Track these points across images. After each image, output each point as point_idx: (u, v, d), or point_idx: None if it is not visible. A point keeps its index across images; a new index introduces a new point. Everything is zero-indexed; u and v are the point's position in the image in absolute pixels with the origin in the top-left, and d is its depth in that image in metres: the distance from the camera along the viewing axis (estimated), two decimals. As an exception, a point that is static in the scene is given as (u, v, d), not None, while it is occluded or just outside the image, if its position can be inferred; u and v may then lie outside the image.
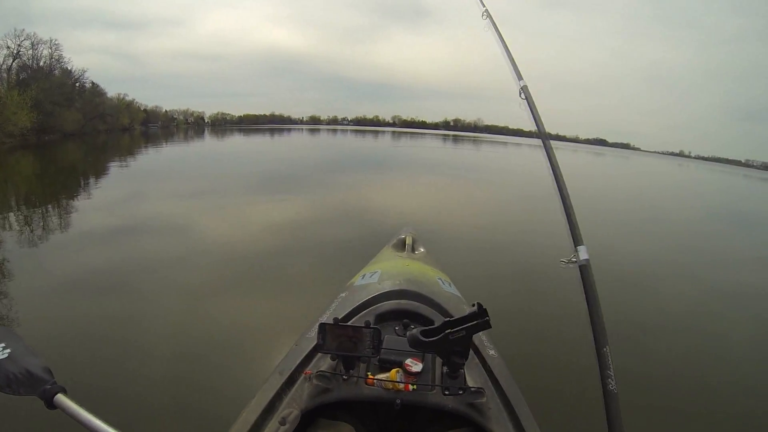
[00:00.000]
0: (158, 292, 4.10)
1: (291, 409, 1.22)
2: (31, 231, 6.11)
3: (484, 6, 2.20)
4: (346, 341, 1.27)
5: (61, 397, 0.88)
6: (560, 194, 1.56)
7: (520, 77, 1.88)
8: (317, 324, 1.30)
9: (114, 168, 13.56)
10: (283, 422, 1.18)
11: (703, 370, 3.22)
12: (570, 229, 1.46)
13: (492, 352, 1.56)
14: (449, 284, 2.17)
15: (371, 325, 1.29)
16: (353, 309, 1.69)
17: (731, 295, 5.08)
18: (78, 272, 4.44)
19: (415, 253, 2.74)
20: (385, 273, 2.09)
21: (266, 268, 4.86)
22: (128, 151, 20.39)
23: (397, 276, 1.97)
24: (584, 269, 1.37)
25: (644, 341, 3.50)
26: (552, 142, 1.82)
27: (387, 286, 1.81)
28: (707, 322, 4.20)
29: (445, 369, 1.31)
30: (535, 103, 1.79)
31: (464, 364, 1.27)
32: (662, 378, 2.96)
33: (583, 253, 1.38)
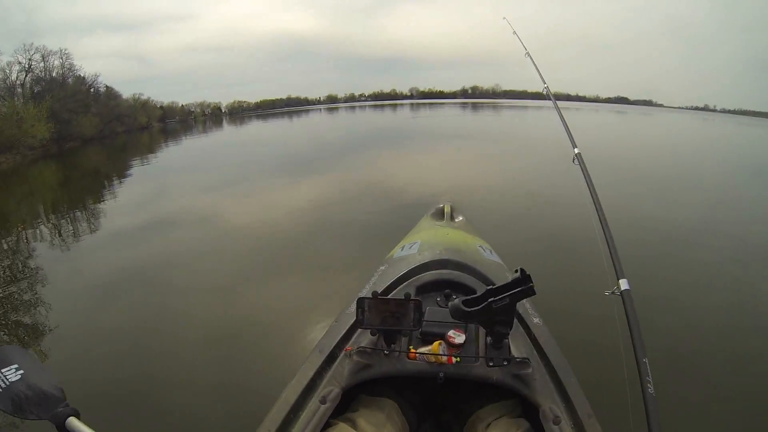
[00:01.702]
0: (192, 285, 4.08)
1: (332, 387, 1.21)
2: (61, 238, 6.15)
3: None
4: (387, 315, 1.25)
5: (73, 421, 0.84)
6: (602, 226, 1.66)
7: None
8: (356, 299, 1.27)
9: (136, 167, 13.68)
10: (323, 401, 1.17)
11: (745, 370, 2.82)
12: (613, 263, 1.49)
13: (537, 320, 1.50)
14: (491, 251, 2.12)
15: (412, 298, 1.26)
16: (393, 282, 1.67)
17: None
18: (107, 274, 4.45)
19: (454, 222, 2.69)
20: (425, 243, 2.05)
21: (301, 250, 4.80)
22: (148, 149, 20.63)
23: (437, 245, 1.94)
24: (626, 297, 1.40)
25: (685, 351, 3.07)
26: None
27: (427, 257, 1.77)
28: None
29: (489, 339, 1.28)
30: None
31: (509, 333, 1.25)
32: (702, 380, 2.70)
33: (624, 285, 1.42)
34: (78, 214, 7.81)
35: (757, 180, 9.79)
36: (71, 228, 6.67)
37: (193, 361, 2.87)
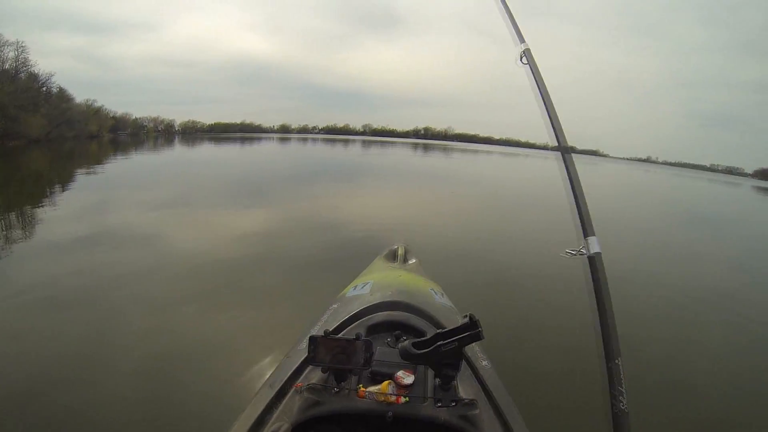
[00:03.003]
0: (128, 308, 3.88)
1: (281, 422, 1.20)
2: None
3: None
4: (337, 353, 1.26)
5: None
6: (569, 179, 1.42)
7: (521, 39, 1.68)
8: (308, 336, 1.28)
9: (81, 176, 13.15)
10: None
11: (726, 385, 3.09)
12: (580, 217, 1.32)
13: (485, 363, 1.55)
14: (441, 295, 2.16)
15: (362, 337, 1.28)
16: (344, 321, 1.68)
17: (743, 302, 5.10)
18: (38, 287, 4.20)
19: (407, 264, 2.74)
20: (376, 284, 2.08)
21: (249, 279, 4.74)
22: (96, 159, 19.85)
23: (389, 287, 1.97)
24: (594, 262, 1.24)
25: (657, 352, 3.42)
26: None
27: (378, 297, 1.79)
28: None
29: (437, 381, 1.30)
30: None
31: (456, 375, 1.27)
32: (677, 392, 2.87)
33: (594, 245, 1.25)
34: (12, 217, 7.44)
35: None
36: (2, 232, 6.35)
37: (125, 395, 2.67)
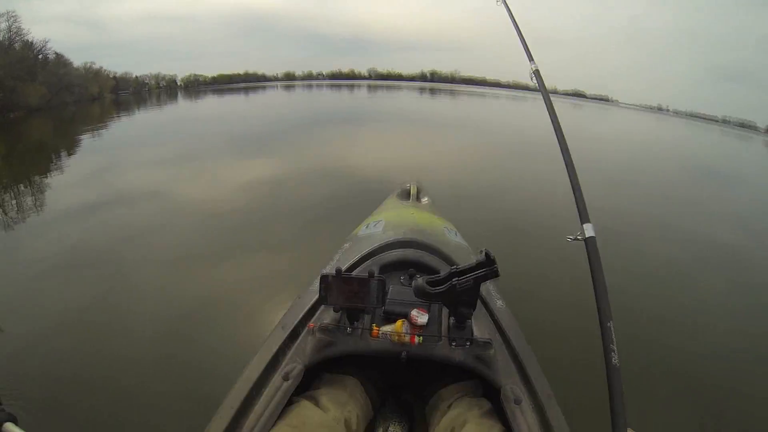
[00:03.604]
0: (144, 264, 3.95)
1: (294, 363, 1.22)
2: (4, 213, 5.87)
3: None
4: (350, 293, 1.25)
5: (10, 428, 0.79)
6: (568, 173, 1.55)
7: (531, 60, 1.93)
8: (319, 276, 1.27)
9: (86, 140, 13.07)
10: (286, 377, 1.18)
11: (705, 343, 3.12)
12: (577, 207, 1.43)
13: (500, 303, 1.52)
14: (455, 233, 2.13)
15: (375, 276, 1.25)
16: (357, 260, 1.65)
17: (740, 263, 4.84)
18: (50, 254, 4.24)
19: (420, 202, 2.70)
20: (389, 222, 2.04)
21: (260, 227, 4.75)
22: (99, 121, 19.65)
23: (402, 225, 1.93)
24: (590, 244, 1.33)
25: (647, 316, 3.39)
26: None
27: (391, 236, 1.76)
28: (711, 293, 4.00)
29: (451, 320, 1.29)
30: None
31: (471, 314, 1.25)
32: (664, 351, 2.92)
33: (589, 230, 1.35)
34: (22, 188, 7.43)
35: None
36: (13, 203, 6.36)
37: (145, 345, 2.76)
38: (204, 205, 5.61)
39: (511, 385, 1.20)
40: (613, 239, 4.69)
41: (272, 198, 5.84)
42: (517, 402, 1.16)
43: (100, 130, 15.58)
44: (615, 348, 1.09)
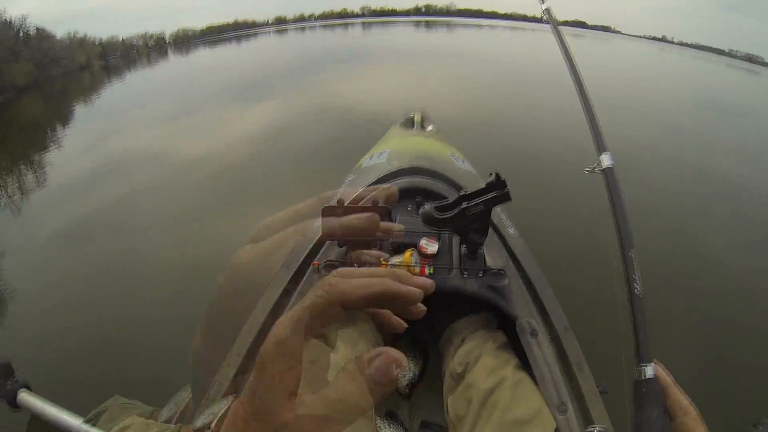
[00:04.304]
0: (152, 225, 3.95)
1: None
2: (7, 194, 5.79)
3: None
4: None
5: (25, 395, 0.80)
6: (582, 101, 1.51)
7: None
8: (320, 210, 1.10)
9: (79, 110, 12.90)
10: None
11: (726, 276, 3.02)
12: (593, 136, 1.41)
13: (512, 231, 1.42)
14: (463, 161, 2.06)
15: (380, 205, 1.06)
16: (361, 192, 1.50)
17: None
18: (59, 227, 4.23)
19: (425, 131, 2.62)
20: (393, 152, 1.95)
21: (263, 175, 4.71)
22: (91, 89, 19.45)
23: (407, 154, 1.83)
24: (608, 174, 1.30)
25: (664, 249, 3.28)
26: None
27: (396, 165, 1.65)
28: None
29: (463, 249, 1.22)
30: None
31: (483, 243, 1.19)
32: (684, 283, 2.85)
33: (607, 160, 1.32)
34: (22, 168, 7.33)
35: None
36: (16, 184, 6.29)
37: (157, 303, 2.78)
38: (207, 159, 5.55)
39: (526, 317, 1.15)
40: (628, 169, 4.49)
41: (275, 144, 5.73)
42: (534, 335, 1.11)
43: (93, 99, 15.40)
44: (638, 277, 1.06)
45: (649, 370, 0.86)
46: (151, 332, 2.53)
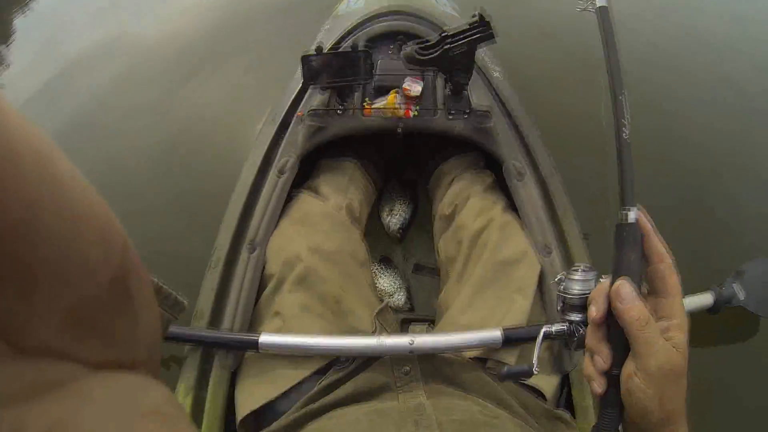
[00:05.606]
0: (122, 108, 3.42)
1: (287, 156, 1.22)
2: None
3: None
4: (336, 71, 1.18)
5: None
6: None
7: None
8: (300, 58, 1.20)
9: (18, 22, 11.57)
10: (282, 171, 1.19)
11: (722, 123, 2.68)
12: None
13: (497, 73, 1.42)
14: (446, 2, 1.98)
15: (360, 48, 1.20)
16: (339, 37, 1.54)
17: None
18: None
19: None
20: None
21: (228, 38, 4.00)
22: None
23: None
24: (603, 14, 1.11)
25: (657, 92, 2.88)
26: None
27: (376, 9, 1.58)
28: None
29: (448, 90, 1.26)
30: None
31: (467, 83, 1.21)
32: (678, 131, 2.60)
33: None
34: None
35: None
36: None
37: (135, 184, 2.57)
38: (174, 34, 4.72)
39: (513, 160, 1.19)
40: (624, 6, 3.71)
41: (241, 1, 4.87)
42: (520, 178, 1.16)
43: (30, 5, 13.85)
44: (627, 122, 0.95)
45: (632, 215, 0.74)
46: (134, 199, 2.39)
